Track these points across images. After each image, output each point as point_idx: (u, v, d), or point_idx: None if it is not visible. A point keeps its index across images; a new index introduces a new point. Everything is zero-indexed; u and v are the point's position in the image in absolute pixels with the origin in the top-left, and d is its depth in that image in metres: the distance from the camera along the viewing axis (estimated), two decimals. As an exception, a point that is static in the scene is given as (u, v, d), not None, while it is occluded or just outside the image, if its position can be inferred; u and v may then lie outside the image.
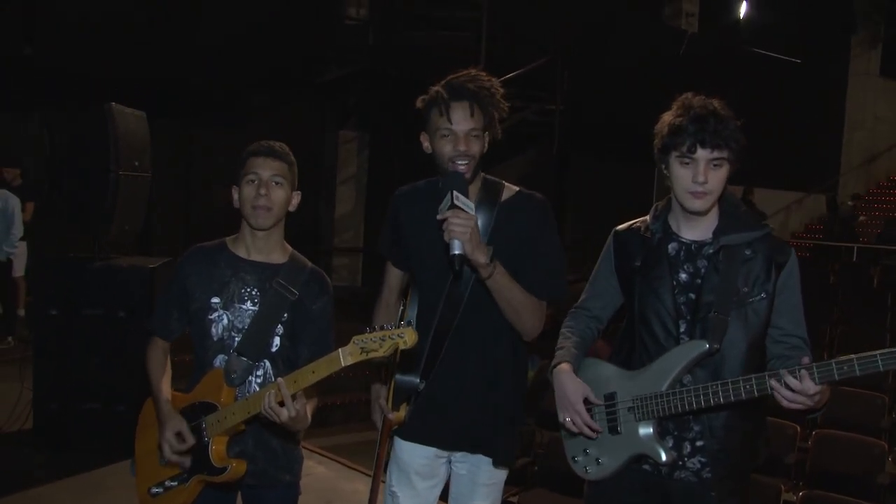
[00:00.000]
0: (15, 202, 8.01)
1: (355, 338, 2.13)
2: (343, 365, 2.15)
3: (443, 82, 2.41)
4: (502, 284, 2.35)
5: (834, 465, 5.12)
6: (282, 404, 2.21)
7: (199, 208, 10.80)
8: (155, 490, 2.51)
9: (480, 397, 2.48)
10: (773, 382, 2.07)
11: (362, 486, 4.82)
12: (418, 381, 2.50)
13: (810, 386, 2.02)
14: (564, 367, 2.43)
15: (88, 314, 5.02)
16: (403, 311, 2.64)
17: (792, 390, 2.04)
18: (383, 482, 2.68)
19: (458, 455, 2.57)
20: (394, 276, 2.70)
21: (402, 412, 2.53)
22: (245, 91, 10.57)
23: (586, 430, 2.37)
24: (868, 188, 16.84)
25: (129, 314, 4.99)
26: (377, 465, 2.61)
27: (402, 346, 2.09)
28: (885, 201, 16.09)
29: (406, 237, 2.58)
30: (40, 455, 4.98)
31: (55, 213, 5.32)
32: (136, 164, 5.16)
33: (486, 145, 2.46)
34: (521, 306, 2.40)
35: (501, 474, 2.58)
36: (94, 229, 5.07)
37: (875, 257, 12.34)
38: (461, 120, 2.36)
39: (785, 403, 2.08)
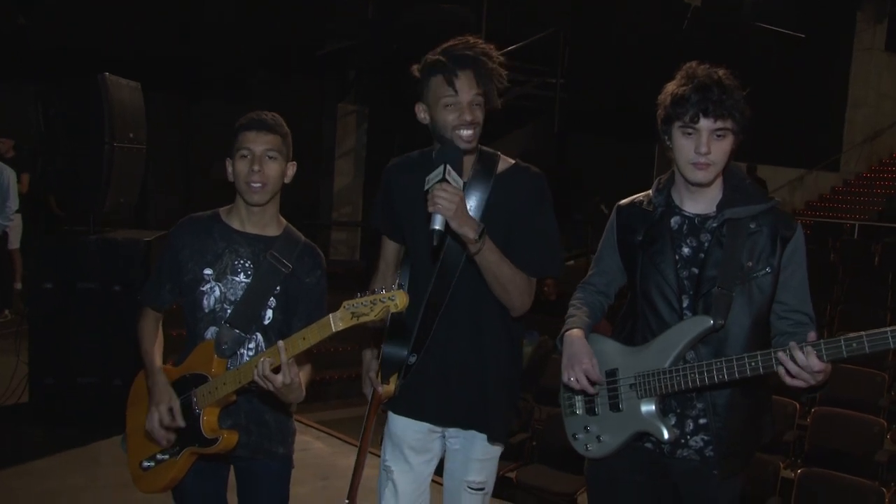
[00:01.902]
0: (10, 174, 7.93)
1: (346, 302, 2.09)
2: (334, 330, 2.11)
3: (440, 50, 2.34)
4: (491, 261, 2.31)
5: (833, 443, 5.12)
6: (277, 371, 2.17)
7: (197, 182, 10.74)
8: (146, 464, 2.48)
9: (473, 373, 2.45)
10: (781, 355, 2.02)
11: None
12: (406, 353, 2.47)
13: (815, 363, 1.98)
14: (576, 332, 2.38)
15: (84, 288, 4.99)
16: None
17: (798, 365, 2.00)
18: (372, 453, 2.66)
19: (451, 430, 2.55)
20: (390, 250, 2.66)
21: (392, 385, 2.50)
22: (244, 64, 10.46)
23: (590, 389, 2.32)
24: (870, 165, 16.75)
25: (125, 288, 4.96)
26: (363, 437, 2.59)
27: (393, 309, 2.06)
28: (887, 178, 16.01)
29: (398, 209, 2.54)
30: (36, 429, 4.98)
31: (49, 185, 5.25)
32: (131, 135, 5.10)
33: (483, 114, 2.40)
34: (509, 283, 2.35)
35: (496, 449, 2.55)
36: (89, 202, 5.02)
37: (876, 235, 12.28)
38: (466, 88, 2.30)
39: (788, 380, 2.04)
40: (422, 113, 2.40)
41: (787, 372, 2.02)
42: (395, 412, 2.57)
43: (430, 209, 2.19)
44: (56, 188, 5.22)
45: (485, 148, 2.49)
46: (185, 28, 9.15)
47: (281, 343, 2.17)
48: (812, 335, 2.03)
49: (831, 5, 15.08)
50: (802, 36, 13.95)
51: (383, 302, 2.05)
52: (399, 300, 2.05)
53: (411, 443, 2.55)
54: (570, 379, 2.33)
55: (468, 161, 2.41)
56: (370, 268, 2.66)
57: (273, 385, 2.18)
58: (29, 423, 5.05)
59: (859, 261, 10.93)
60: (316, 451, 5.04)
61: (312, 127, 12.08)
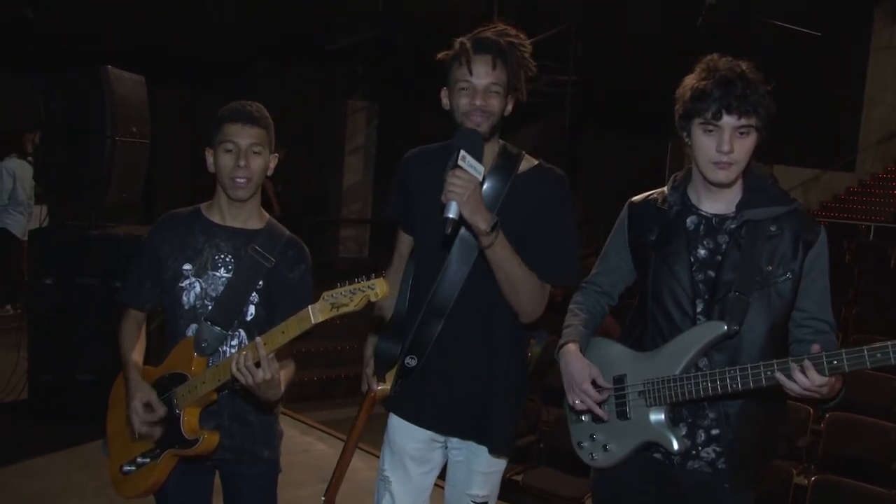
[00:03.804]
0: (16, 169, 7.90)
1: (325, 294, 2.02)
2: (313, 322, 2.04)
3: (469, 35, 2.26)
4: (502, 257, 2.20)
5: (847, 450, 5.00)
6: (258, 365, 2.10)
7: (205, 176, 10.69)
8: (127, 468, 2.41)
9: (478, 380, 2.35)
10: (780, 377, 1.93)
11: (362, 463, 4.72)
12: (399, 350, 2.38)
13: (815, 377, 1.88)
14: (571, 347, 2.28)
15: (84, 284, 4.92)
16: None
17: (799, 385, 1.91)
18: (371, 454, 2.57)
19: (454, 441, 2.45)
20: (405, 243, 2.56)
21: (389, 384, 2.41)
22: (253, 58, 10.40)
23: (598, 410, 2.23)
24: (886, 165, 16.53)
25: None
26: (350, 436, 2.51)
27: (373, 298, 1.98)
28: (903, 179, 15.81)
29: (411, 201, 2.44)
30: (34, 427, 4.92)
31: (49, 179, 5.19)
32: (134, 129, 5.03)
33: (510, 107, 2.31)
34: (519, 284, 2.24)
35: (500, 462, 2.45)
36: (90, 197, 4.95)
37: (892, 236, 12.11)
38: (482, 73, 2.22)
39: (798, 391, 1.94)
40: (444, 98, 2.32)
41: (798, 385, 1.93)
42: (395, 413, 2.48)
43: (443, 199, 2.10)
44: (57, 182, 5.14)
45: (509, 145, 2.40)
46: (191, 22, 9.10)
47: (259, 339, 2.10)
48: (816, 347, 1.92)
49: (848, 3, 14.89)
50: (818, 34, 13.77)
51: (363, 291, 1.98)
52: (379, 288, 1.97)
53: (412, 452, 2.46)
54: (575, 402, 2.25)
55: (489, 154, 2.31)
56: (378, 265, 2.58)
57: (252, 379, 2.10)
58: (27, 421, 5.00)
59: (875, 262, 10.77)
60: (318, 452, 4.95)
61: (321, 123, 12.02)
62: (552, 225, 2.31)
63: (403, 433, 2.46)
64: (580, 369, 2.24)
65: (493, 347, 2.34)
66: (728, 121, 2.04)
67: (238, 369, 2.10)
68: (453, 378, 2.36)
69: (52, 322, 4.97)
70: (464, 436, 2.40)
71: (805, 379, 1.89)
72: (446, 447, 2.49)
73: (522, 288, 2.25)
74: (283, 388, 2.22)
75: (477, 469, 2.42)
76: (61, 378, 4.95)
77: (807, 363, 1.89)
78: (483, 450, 2.39)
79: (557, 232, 2.32)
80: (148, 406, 2.28)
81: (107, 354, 4.83)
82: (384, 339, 2.44)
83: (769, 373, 1.97)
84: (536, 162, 2.39)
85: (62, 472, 4.34)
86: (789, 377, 1.92)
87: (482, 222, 2.11)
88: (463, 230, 2.25)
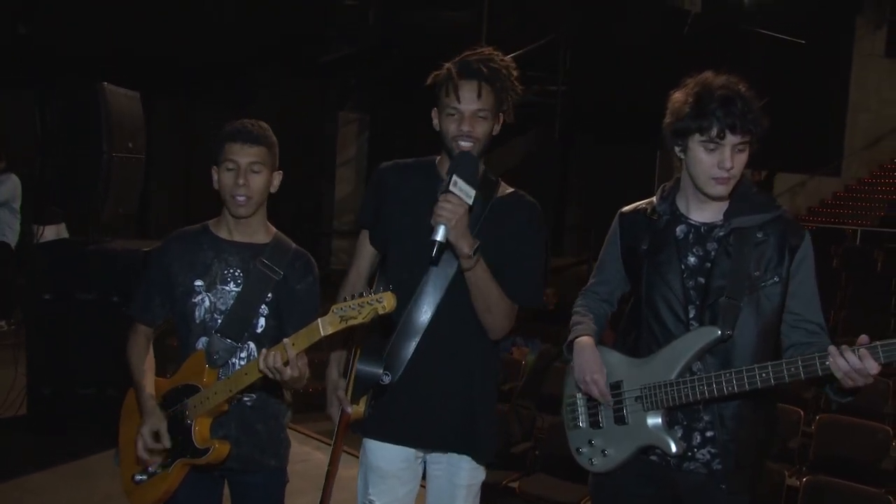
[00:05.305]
0: (14, 183, 7.90)
1: (334, 307, 2.10)
2: (323, 335, 2.12)
3: (456, 59, 2.33)
4: (481, 279, 2.27)
5: (838, 451, 5.06)
6: (285, 364, 2.16)
7: (199, 189, 10.71)
8: (139, 477, 2.46)
9: (458, 393, 2.38)
10: (833, 349, 1.95)
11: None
12: (381, 371, 2.37)
13: (872, 365, 1.91)
14: (587, 339, 2.35)
15: (82, 298, 4.95)
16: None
17: (850, 366, 1.92)
18: (351, 453, 2.58)
19: (433, 455, 2.47)
20: (366, 257, 2.54)
21: (362, 406, 2.40)
22: (246, 71, 10.45)
23: (608, 396, 2.29)
24: (871, 170, 16.69)
25: (123, 299, 4.91)
26: (332, 461, 2.46)
27: (381, 311, 2.06)
28: (889, 183, 15.94)
29: (386, 212, 2.45)
30: (34, 441, 4.92)
31: (47, 194, 5.23)
32: (130, 145, 5.08)
33: (498, 126, 2.38)
34: (494, 304, 2.32)
35: (481, 474, 2.48)
36: (87, 212, 4.99)
37: (878, 240, 12.24)
38: (468, 100, 2.28)
39: (847, 382, 1.95)
40: (435, 119, 2.38)
41: (839, 369, 1.94)
42: (372, 437, 2.46)
43: (432, 222, 2.16)
44: (55, 196, 5.19)
45: (488, 171, 2.46)
46: (186, 35, 9.15)
47: (287, 340, 2.16)
48: (864, 338, 1.95)
49: (831, 11, 15.06)
50: (802, 42, 13.92)
51: (371, 304, 2.06)
52: (387, 302, 2.05)
53: (398, 473, 2.45)
54: (587, 387, 2.30)
55: None
56: (371, 276, 2.61)
57: (281, 377, 2.17)
58: (26, 435, 5.00)
59: (861, 266, 10.87)
60: (316, 461, 4.98)
61: (313, 135, 12.07)
62: (525, 249, 2.39)
63: (387, 456, 2.44)
64: (592, 360, 2.30)
65: (470, 361, 2.39)
66: (730, 139, 2.11)
67: (267, 367, 2.16)
68: (430, 393, 2.38)
69: (52, 336, 5.00)
70: (446, 448, 2.43)
71: (858, 361, 1.91)
72: (424, 462, 2.50)
73: (496, 309, 2.33)
74: (305, 379, 2.28)
75: (459, 483, 2.44)
76: (61, 391, 4.98)
77: (863, 351, 1.92)
78: (463, 462, 2.42)
79: (529, 257, 2.40)
80: (156, 435, 2.34)
81: (107, 368, 4.90)
82: (364, 361, 2.40)
83: (763, 375, 2.04)
84: (512, 189, 2.47)
85: (65, 486, 4.35)
86: (840, 356, 1.93)
87: (466, 247, 2.19)
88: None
